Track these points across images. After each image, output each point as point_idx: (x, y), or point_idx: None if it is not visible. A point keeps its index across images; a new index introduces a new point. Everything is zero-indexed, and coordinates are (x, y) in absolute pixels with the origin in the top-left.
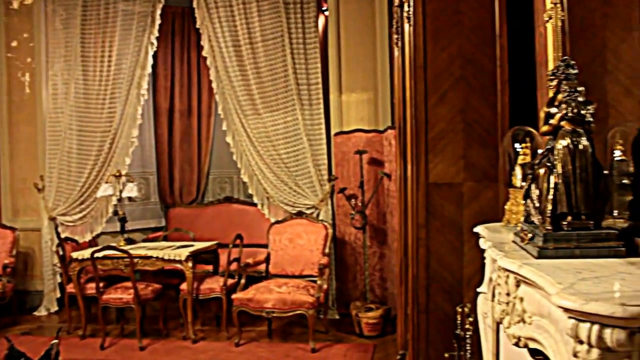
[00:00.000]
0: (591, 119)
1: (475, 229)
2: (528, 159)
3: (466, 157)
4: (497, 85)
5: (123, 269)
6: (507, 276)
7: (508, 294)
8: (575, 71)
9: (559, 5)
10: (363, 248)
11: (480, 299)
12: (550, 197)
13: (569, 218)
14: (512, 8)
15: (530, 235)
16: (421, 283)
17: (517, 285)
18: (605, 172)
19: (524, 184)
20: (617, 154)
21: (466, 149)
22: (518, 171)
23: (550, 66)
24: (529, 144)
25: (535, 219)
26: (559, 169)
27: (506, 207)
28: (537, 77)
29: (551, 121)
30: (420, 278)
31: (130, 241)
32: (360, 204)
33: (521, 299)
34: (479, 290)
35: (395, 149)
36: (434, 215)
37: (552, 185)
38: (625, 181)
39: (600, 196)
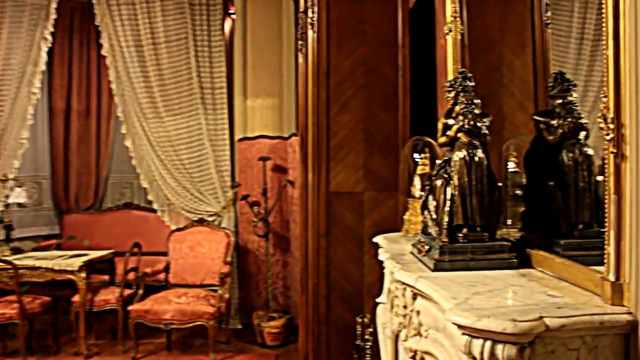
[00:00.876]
0: (487, 132)
1: (375, 239)
2: (427, 169)
3: (367, 166)
4: (399, 94)
5: (8, 281)
6: (405, 289)
7: (405, 307)
8: (472, 83)
9: (458, 19)
10: (266, 256)
11: (379, 310)
12: (447, 208)
13: (465, 230)
14: (415, 19)
15: (427, 247)
16: (322, 293)
17: (414, 298)
18: (500, 184)
19: (422, 194)
20: (511, 165)
21: (367, 157)
22: (417, 181)
23: (450, 77)
24: (427, 155)
25: (432, 230)
26: (455, 180)
27: (405, 217)
28: (438, 88)
29: (448, 133)
30: (320, 288)
31: (17, 250)
32: (263, 212)
33: (418, 312)
34: (378, 300)
35: (298, 156)
36: (335, 225)
37: (448, 196)
38: (518, 192)
39: (495, 208)
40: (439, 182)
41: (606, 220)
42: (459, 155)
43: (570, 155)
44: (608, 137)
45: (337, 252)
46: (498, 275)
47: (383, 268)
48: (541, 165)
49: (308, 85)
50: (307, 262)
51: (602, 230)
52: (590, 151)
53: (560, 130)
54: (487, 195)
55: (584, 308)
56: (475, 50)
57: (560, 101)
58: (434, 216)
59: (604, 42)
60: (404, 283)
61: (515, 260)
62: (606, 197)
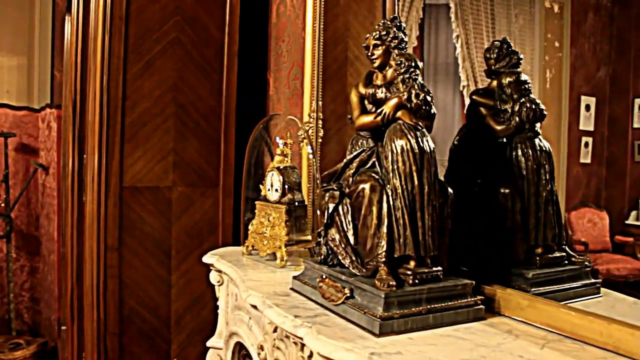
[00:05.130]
0: (435, 112)
1: (206, 259)
2: (287, 162)
3: (178, 151)
4: (223, 59)
5: None
6: (310, 358)
7: None
8: (407, 38)
9: None
10: (6, 262)
11: (210, 357)
12: (384, 230)
13: (412, 264)
14: None
15: (347, 290)
16: (111, 329)
17: None
18: (450, 190)
19: (285, 198)
20: None
21: (178, 140)
22: (275, 178)
23: (309, 45)
24: (291, 141)
25: (348, 262)
26: (398, 185)
27: (250, 227)
28: (270, 55)
29: (384, 109)
30: (109, 322)
31: None
32: (3, 204)
33: None
34: (209, 344)
35: (57, 134)
36: (131, 233)
37: (385, 211)
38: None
39: (446, 227)
40: (365, 187)
41: None
42: (402, 145)
43: (529, 152)
44: None
45: (133, 272)
46: (487, 341)
47: (211, 289)
48: (479, 164)
49: (89, 35)
50: (82, 282)
51: (564, 255)
52: (548, 146)
53: (516, 119)
54: (439, 209)
55: None
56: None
57: (510, 79)
58: (351, 240)
59: None
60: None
61: (482, 306)
62: None
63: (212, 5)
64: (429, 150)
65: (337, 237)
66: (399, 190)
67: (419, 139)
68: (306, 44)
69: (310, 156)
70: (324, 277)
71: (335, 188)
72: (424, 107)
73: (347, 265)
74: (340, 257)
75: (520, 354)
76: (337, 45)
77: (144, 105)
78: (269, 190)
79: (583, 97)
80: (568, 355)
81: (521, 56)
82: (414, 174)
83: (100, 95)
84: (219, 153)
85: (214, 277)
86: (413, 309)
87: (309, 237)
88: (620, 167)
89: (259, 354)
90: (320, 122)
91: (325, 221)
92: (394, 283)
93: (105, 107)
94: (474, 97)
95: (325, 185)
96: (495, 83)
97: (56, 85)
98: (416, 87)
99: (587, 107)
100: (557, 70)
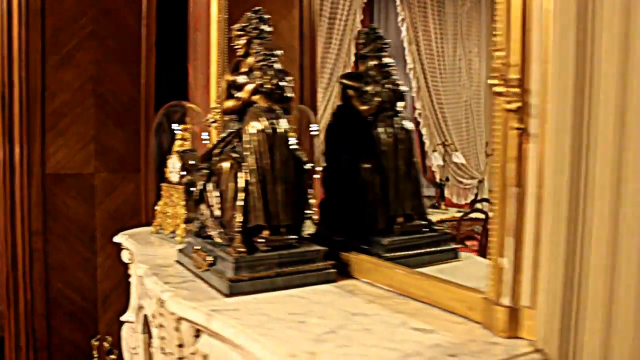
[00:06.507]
0: (292, 95)
1: (116, 239)
2: (187, 145)
3: (99, 139)
4: (142, 49)
5: None
6: (179, 320)
7: (181, 346)
8: (270, 29)
9: None
10: None
11: (125, 330)
12: (240, 203)
13: (266, 233)
14: None
15: (211, 258)
16: (38, 310)
17: (197, 336)
18: (310, 165)
19: (186, 178)
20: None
21: (99, 129)
22: (175, 161)
23: (214, 33)
24: (189, 126)
25: (215, 233)
26: (252, 162)
27: (157, 208)
28: (189, 45)
29: (239, 94)
30: (36, 304)
31: None
32: None
33: (204, 357)
34: (123, 318)
35: None
36: (56, 218)
37: (241, 185)
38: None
39: (303, 200)
40: (225, 165)
41: (494, 220)
42: (255, 126)
43: (390, 130)
44: (511, 107)
45: (59, 255)
46: (323, 298)
47: (126, 270)
48: (350, 142)
49: (12, 26)
50: (16, 267)
51: (423, 223)
52: (410, 125)
53: (378, 99)
54: (294, 183)
55: (481, 351)
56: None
57: (375, 62)
58: (218, 213)
59: None
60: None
61: (334, 270)
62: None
63: None
64: (280, 132)
65: (206, 211)
66: (253, 167)
67: (273, 121)
68: (211, 32)
69: (207, 141)
70: (195, 248)
71: (205, 167)
72: (277, 92)
73: (213, 236)
74: (208, 230)
75: (347, 308)
76: None
77: (64, 96)
78: (171, 172)
79: None
80: (388, 308)
81: (387, 41)
82: (265, 152)
83: (19, 87)
84: (139, 140)
85: (125, 255)
86: (262, 273)
87: None
88: None
89: (152, 321)
90: None
91: (196, 198)
92: (245, 249)
93: (24, 98)
94: (342, 80)
95: (197, 165)
96: (365, 67)
97: None
98: (271, 73)
99: None
100: None
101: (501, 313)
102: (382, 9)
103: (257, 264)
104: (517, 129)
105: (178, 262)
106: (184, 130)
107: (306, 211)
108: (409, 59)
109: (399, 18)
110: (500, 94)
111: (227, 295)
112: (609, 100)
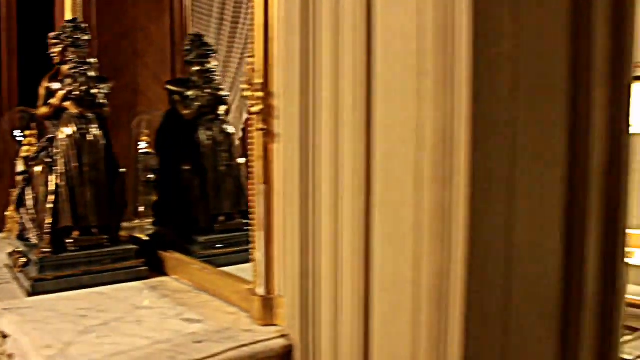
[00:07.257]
0: (104, 101)
1: None
2: (34, 150)
3: None
4: (1, 53)
5: None
6: None
7: None
8: (88, 37)
9: None
10: None
11: None
12: (49, 205)
13: (76, 233)
14: None
15: (24, 259)
16: None
17: (5, 337)
18: (123, 169)
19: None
20: (143, 145)
21: None
22: (21, 167)
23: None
24: (35, 132)
25: (32, 235)
26: (61, 166)
27: (7, 213)
28: None
29: (51, 101)
30: None
31: None
32: None
33: (10, 357)
34: None
35: None
36: None
37: (51, 188)
38: (150, 176)
39: (117, 201)
40: (37, 169)
41: (251, 216)
42: (65, 132)
43: (209, 133)
44: (255, 109)
45: None
46: (121, 294)
47: None
48: (175, 145)
49: None
50: None
51: (245, 221)
52: (230, 129)
53: (197, 104)
54: (106, 186)
55: (229, 337)
56: (105, 11)
57: (197, 68)
58: (34, 216)
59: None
60: None
61: (145, 267)
62: (250, 185)
63: None
64: (91, 137)
65: (25, 215)
66: (62, 171)
67: (83, 126)
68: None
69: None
70: (16, 250)
71: (24, 172)
72: (88, 99)
73: (30, 238)
74: (27, 232)
75: (135, 303)
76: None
77: None
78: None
79: None
80: (175, 302)
81: (212, 49)
82: (73, 156)
83: None
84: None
85: None
86: (68, 272)
87: None
88: None
89: None
90: None
91: (16, 202)
92: (50, 250)
93: None
94: (167, 86)
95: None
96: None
97: None
98: (82, 80)
99: None
100: None
101: (257, 302)
102: None
103: (63, 263)
104: (262, 129)
105: (8, 265)
106: (30, 135)
107: (120, 213)
108: None
109: None
110: (247, 97)
111: (30, 295)
112: (327, 100)
